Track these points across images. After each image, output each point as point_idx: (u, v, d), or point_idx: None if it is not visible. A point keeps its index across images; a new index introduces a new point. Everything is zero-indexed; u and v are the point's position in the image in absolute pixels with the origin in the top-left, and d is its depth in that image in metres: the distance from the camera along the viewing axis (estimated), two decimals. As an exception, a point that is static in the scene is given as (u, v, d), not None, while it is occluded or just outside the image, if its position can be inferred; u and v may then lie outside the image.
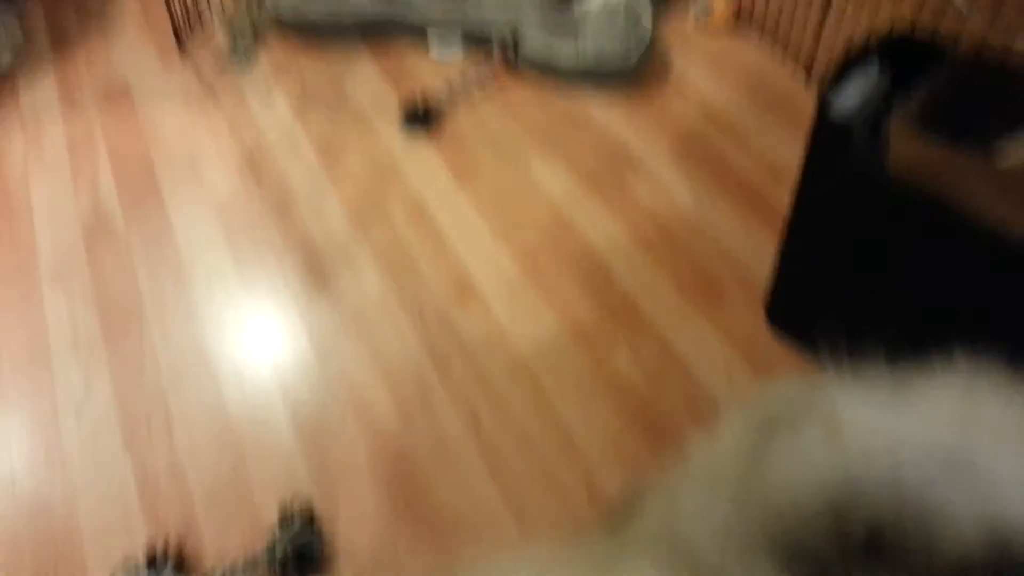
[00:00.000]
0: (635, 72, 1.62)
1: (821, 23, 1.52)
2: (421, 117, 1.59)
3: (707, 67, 1.67)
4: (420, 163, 1.53)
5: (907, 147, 0.85)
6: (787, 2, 1.59)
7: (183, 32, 1.82)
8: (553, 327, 1.25)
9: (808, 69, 1.59)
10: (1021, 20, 1.13)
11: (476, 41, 1.74)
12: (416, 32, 1.77)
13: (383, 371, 1.21)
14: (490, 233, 1.40)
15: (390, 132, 1.60)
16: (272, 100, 1.69)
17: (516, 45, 1.66)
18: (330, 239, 1.41)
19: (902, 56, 0.98)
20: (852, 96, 0.95)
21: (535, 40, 1.63)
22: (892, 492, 0.20)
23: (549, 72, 1.65)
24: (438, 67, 1.73)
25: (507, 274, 1.34)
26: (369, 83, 1.71)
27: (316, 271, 1.36)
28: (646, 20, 1.61)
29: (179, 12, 1.79)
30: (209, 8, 1.88)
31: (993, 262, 0.82)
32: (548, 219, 1.41)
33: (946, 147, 0.83)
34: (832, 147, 0.95)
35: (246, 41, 1.79)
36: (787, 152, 1.47)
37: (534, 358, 1.21)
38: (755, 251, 1.31)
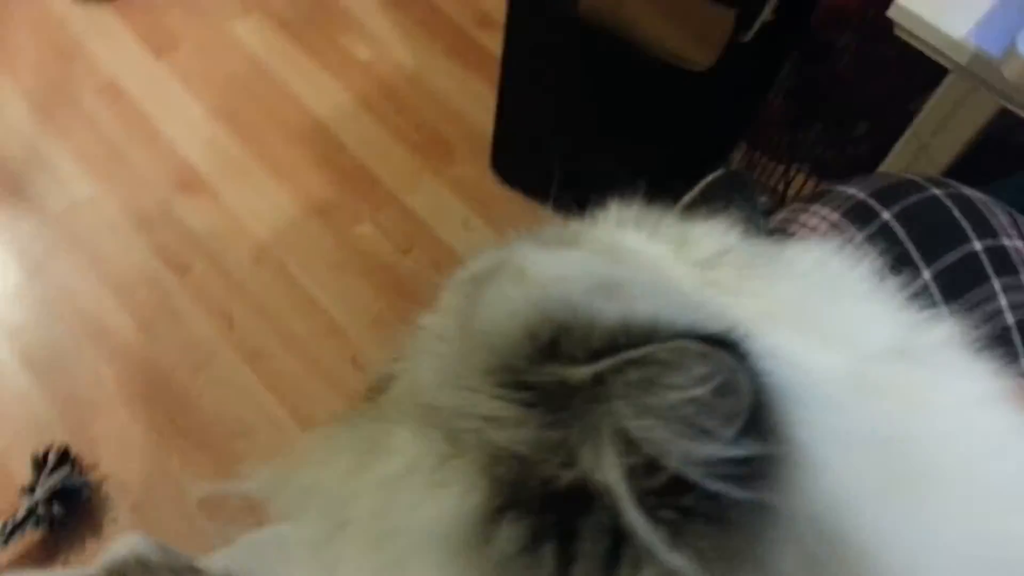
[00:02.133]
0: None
1: None
2: (94, -20, 1.39)
3: None
4: (106, 37, 1.35)
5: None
6: None
7: None
8: (289, 206, 1.21)
9: None
10: None
11: None
12: None
13: (111, 283, 1.12)
14: (203, 109, 1.29)
15: (63, 3, 1.38)
16: None
17: None
18: (15, 140, 1.23)
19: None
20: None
21: None
22: (564, 309, 0.28)
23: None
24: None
25: (230, 154, 1.25)
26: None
27: (6, 181, 1.20)
28: None
29: None
30: None
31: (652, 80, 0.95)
32: (264, 87, 1.32)
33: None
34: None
35: None
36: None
37: (276, 243, 1.17)
38: (477, 103, 1.31)
